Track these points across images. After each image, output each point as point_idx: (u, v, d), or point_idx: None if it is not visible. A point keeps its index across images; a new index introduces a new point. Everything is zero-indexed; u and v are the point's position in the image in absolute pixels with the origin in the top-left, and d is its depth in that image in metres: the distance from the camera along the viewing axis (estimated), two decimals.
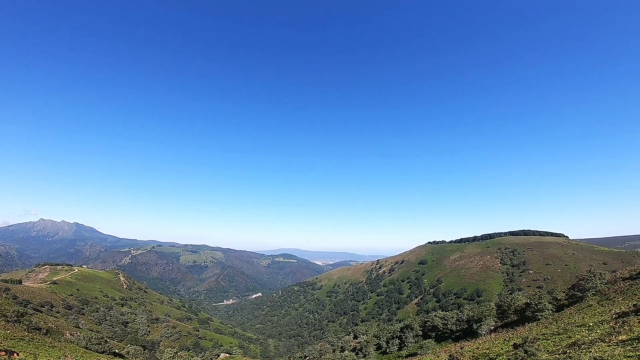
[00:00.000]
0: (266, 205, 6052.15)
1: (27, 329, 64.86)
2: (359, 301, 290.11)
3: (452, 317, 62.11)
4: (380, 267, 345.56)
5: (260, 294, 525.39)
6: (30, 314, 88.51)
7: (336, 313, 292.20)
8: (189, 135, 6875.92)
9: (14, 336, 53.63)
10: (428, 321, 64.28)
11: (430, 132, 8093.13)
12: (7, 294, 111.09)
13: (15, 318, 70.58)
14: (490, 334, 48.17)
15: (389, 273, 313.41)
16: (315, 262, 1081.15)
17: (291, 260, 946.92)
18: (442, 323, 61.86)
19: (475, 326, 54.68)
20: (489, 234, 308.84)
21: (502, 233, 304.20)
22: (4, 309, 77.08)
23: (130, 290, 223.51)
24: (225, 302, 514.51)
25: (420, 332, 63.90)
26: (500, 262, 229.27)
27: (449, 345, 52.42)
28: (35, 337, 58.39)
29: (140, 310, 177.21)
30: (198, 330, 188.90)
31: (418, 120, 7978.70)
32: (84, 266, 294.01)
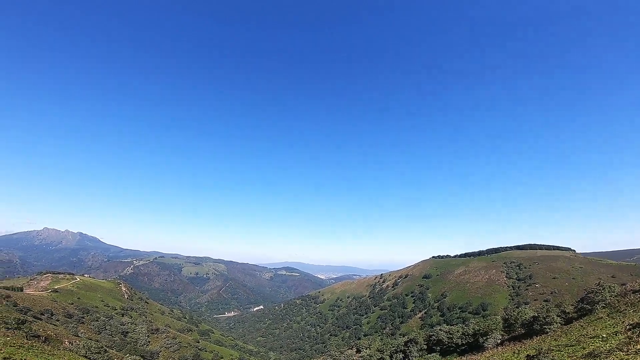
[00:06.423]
0: (270, 218, 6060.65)
1: (27, 337, 64.23)
2: (362, 315, 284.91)
3: (458, 331, 60.65)
4: (383, 281, 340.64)
5: (262, 307, 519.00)
6: (30, 322, 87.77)
7: (338, 327, 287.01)
8: (195, 147, 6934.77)
9: (14, 343, 53.15)
10: (433, 335, 62.82)
11: (437, 145, 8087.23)
12: (7, 301, 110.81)
13: (15, 325, 69.98)
14: (497, 347, 46.88)
15: (392, 287, 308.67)
16: (318, 276, 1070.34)
17: (294, 274, 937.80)
18: (447, 337, 60.37)
19: (481, 340, 53.31)
20: (494, 249, 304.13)
21: (507, 247, 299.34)
22: (5, 316, 76.73)
23: (132, 300, 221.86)
24: (227, 314, 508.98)
25: (425, 346, 62.36)
26: (505, 276, 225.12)
27: (455, 359, 51.12)
28: (34, 344, 57.79)
29: (140, 321, 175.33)
30: (198, 342, 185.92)
31: (423, 132, 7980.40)
32: (86, 275, 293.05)
